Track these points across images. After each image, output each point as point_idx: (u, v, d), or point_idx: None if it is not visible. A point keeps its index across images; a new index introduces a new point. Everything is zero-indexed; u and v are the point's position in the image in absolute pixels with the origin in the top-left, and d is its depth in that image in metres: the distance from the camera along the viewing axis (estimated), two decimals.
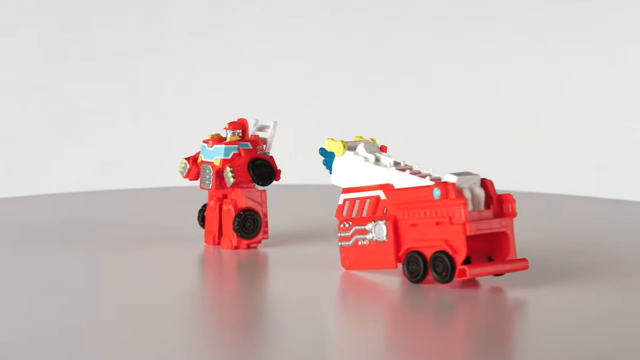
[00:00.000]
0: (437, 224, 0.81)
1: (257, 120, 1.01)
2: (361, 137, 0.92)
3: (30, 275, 0.90)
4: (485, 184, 0.82)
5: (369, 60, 2.21)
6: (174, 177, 2.13)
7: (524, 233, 1.11)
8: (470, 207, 0.81)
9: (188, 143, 2.21)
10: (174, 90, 2.20)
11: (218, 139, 1.01)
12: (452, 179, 0.82)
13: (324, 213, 1.08)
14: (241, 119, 1.02)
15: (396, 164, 0.87)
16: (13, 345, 0.68)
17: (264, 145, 1.00)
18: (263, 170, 0.98)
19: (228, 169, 0.98)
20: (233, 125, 1.01)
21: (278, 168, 0.99)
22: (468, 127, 2.17)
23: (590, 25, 2.15)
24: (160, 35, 2.20)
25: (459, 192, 0.81)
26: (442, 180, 0.83)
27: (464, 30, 2.18)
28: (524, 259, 0.82)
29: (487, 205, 0.82)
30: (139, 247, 1.02)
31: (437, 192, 0.81)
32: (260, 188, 1.00)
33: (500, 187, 0.84)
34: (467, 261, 0.80)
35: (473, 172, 0.84)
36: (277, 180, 1.00)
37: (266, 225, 1.00)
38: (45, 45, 2.18)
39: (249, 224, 0.98)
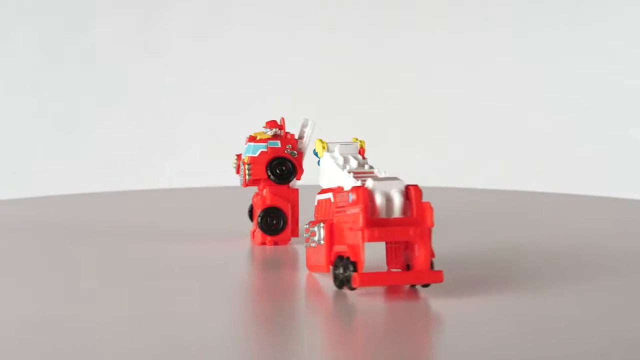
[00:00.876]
0: (350, 228, 0.79)
1: (307, 120, 1.03)
2: (356, 138, 0.92)
3: (30, 275, 0.90)
4: (408, 190, 0.79)
5: (369, 60, 2.21)
6: (173, 177, 2.14)
7: (521, 233, 1.11)
8: (382, 213, 0.78)
9: (188, 143, 2.22)
10: (174, 90, 2.20)
11: (253, 137, 1.02)
12: (369, 183, 0.79)
13: None
14: (281, 118, 1.03)
15: (360, 166, 0.85)
16: (13, 347, 0.68)
17: (299, 142, 1.01)
18: (281, 168, 0.99)
19: (246, 166, 0.99)
20: (268, 124, 1.03)
21: (302, 168, 1.01)
22: (467, 127, 2.17)
23: (590, 25, 2.15)
24: (160, 35, 2.20)
25: (367, 197, 0.78)
26: (360, 185, 0.79)
27: (463, 30, 2.18)
28: (438, 272, 0.77)
29: (405, 212, 0.79)
30: (139, 248, 1.02)
31: (351, 196, 0.79)
32: (294, 187, 1.01)
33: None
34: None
35: (400, 177, 0.80)
36: (297, 179, 1.01)
37: (296, 224, 1.01)
38: (45, 45, 2.18)
39: (272, 221, 1.00)
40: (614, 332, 0.70)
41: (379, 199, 0.78)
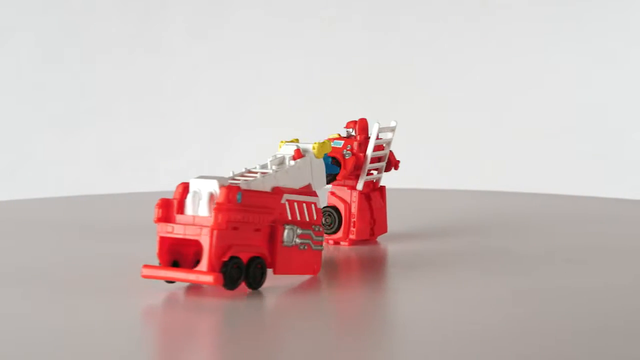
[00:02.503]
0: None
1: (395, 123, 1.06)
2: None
3: (29, 276, 0.90)
4: (221, 189, 0.79)
5: (369, 60, 2.21)
6: (174, 177, 2.14)
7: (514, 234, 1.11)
8: (187, 210, 0.80)
9: (188, 143, 2.22)
10: (174, 90, 2.20)
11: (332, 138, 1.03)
12: (191, 180, 0.82)
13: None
14: (361, 118, 1.04)
15: (262, 167, 0.87)
16: (12, 348, 0.68)
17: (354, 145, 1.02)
18: None
19: None
20: (348, 124, 1.04)
21: (347, 169, 1.02)
22: (467, 127, 2.17)
23: (590, 26, 2.15)
24: (160, 35, 2.20)
25: (178, 192, 0.81)
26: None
27: (464, 30, 2.18)
28: (213, 273, 0.77)
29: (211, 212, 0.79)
30: (139, 248, 1.02)
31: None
32: (359, 188, 1.02)
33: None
34: (175, 264, 0.81)
35: (223, 176, 0.81)
36: (337, 179, 1.02)
37: (353, 225, 1.02)
38: (45, 45, 2.18)
39: (328, 220, 1.02)
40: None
41: (189, 196, 0.80)
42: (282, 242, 0.83)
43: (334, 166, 1.00)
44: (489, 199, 1.47)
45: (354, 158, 1.02)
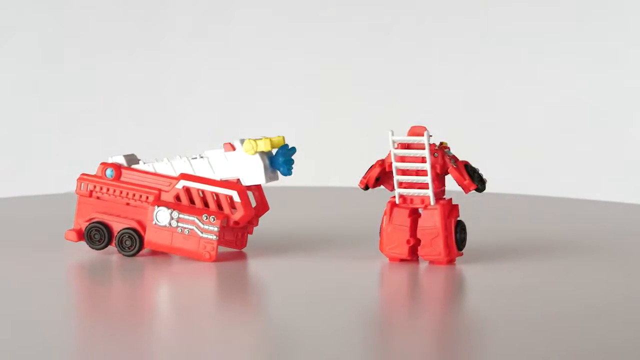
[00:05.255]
0: None
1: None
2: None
3: (30, 275, 0.90)
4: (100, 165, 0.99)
5: (369, 60, 2.20)
6: None
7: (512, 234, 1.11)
8: None
9: (188, 143, 2.21)
10: (174, 90, 2.20)
11: None
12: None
13: (332, 214, 1.08)
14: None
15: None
16: (12, 347, 0.68)
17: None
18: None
19: None
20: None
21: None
22: (467, 127, 2.17)
23: (591, 26, 2.15)
24: (160, 35, 2.20)
25: None
26: None
27: (463, 30, 2.18)
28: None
29: None
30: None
31: None
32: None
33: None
34: None
35: (133, 155, 0.99)
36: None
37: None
38: (45, 45, 2.18)
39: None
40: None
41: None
42: (151, 220, 0.94)
43: (284, 164, 0.97)
44: (489, 199, 1.47)
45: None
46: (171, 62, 2.20)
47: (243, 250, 0.99)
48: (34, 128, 2.18)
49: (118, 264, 0.93)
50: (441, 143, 0.97)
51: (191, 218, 0.93)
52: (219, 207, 0.94)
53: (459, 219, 0.94)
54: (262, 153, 0.96)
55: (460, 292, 0.86)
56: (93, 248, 0.97)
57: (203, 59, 2.20)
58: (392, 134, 0.94)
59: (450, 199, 0.94)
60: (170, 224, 0.93)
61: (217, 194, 0.94)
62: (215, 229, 0.93)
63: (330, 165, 2.10)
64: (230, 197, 0.94)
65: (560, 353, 0.66)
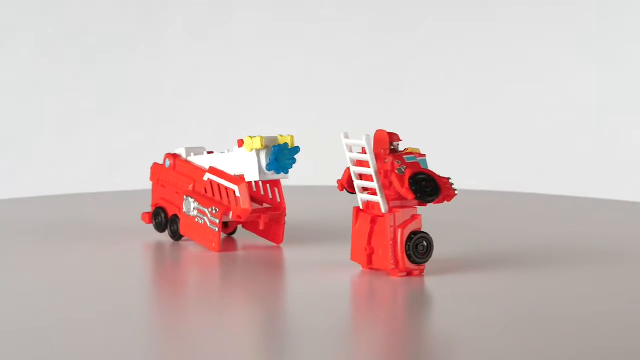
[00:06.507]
0: None
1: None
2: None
3: (29, 276, 0.90)
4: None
5: (369, 60, 2.21)
6: None
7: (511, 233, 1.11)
8: None
9: (188, 143, 2.21)
10: (174, 90, 2.20)
11: None
12: None
13: (332, 214, 1.08)
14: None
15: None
16: (11, 347, 0.68)
17: None
18: None
19: None
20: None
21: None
22: (467, 127, 2.17)
23: (591, 26, 2.15)
24: (160, 35, 2.20)
25: None
26: None
27: (463, 31, 2.18)
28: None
29: None
30: (141, 248, 1.02)
31: None
32: None
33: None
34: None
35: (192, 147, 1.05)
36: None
37: None
38: (45, 45, 2.18)
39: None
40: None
41: None
42: (182, 209, 1.01)
43: (279, 162, 0.98)
44: (488, 198, 1.47)
45: None
46: (171, 62, 2.21)
47: (243, 250, 1.00)
48: (34, 128, 2.18)
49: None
50: (406, 149, 0.91)
51: (204, 209, 0.98)
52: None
53: (419, 230, 0.88)
54: (259, 151, 0.97)
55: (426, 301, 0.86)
56: (157, 230, 1.05)
57: (203, 59, 2.20)
58: (345, 137, 0.90)
59: (412, 207, 0.88)
60: (192, 213, 0.99)
61: (227, 188, 0.98)
62: (216, 220, 0.97)
63: (330, 165, 2.10)
64: (233, 192, 0.97)
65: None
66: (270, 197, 1.01)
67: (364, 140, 0.88)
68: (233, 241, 1.04)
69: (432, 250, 0.88)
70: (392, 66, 2.20)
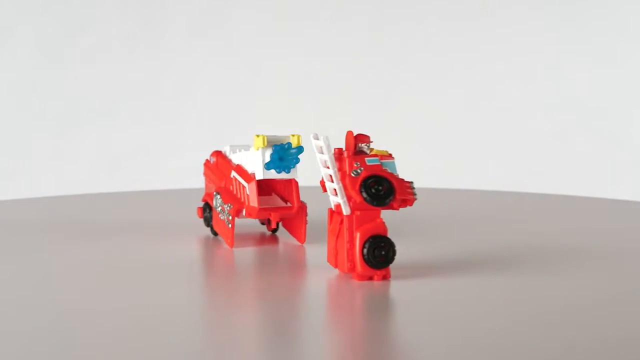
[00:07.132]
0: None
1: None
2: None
3: (29, 276, 0.90)
4: None
5: (369, 60, 2.21)
6: (174, 177, 2.14)
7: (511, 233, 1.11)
8: None
9: (188, 143, 2.22)
10: (174, 90, 2.20)
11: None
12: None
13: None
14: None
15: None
16: (11, 346, 0.68)
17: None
18: None
19: None
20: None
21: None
22: (467, 127, 2.17)
23: (590, 26, 2.15)
24: (160, 35, 2.20)
25: None
26: None
27: (463, 31, 2.18)
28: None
29: None
30: (140, 248, 1.02)
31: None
32: None
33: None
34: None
35: (237, 145, 1.07)
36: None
37: None
38: (45, 45, 2.18)
39: None
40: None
41: None
42: (213, 204, 1.04)
43: (272, 162, 0.99)
44: (487, 198, 1.47)
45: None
46: (171, 62, 2.21)
47: (256, 245, 1.01)
48: (34, 128, 2.18)
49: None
50: (371, 149, 0.88)
51: (225, 205, 1.01)
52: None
53: (381, 235, 0.85)
54: (264, 150, 0.98)
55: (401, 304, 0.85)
56: (205, 225, 1.08)
57: (203, 59, 2.20)
58: (315, 138, 0.87)
59: (375, 211, 0.85)
60: (218, 209, 1.02)
61: (243, 186, 1.00)
62: (229, 216, 1.00)
63: None
64: (243, 188, 1.00)
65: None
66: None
67: (321, 140, 0.86)
68: (264, 238, 1.06)
69: (393, 256, 0.85)
70: (392, 66, 2.20)
